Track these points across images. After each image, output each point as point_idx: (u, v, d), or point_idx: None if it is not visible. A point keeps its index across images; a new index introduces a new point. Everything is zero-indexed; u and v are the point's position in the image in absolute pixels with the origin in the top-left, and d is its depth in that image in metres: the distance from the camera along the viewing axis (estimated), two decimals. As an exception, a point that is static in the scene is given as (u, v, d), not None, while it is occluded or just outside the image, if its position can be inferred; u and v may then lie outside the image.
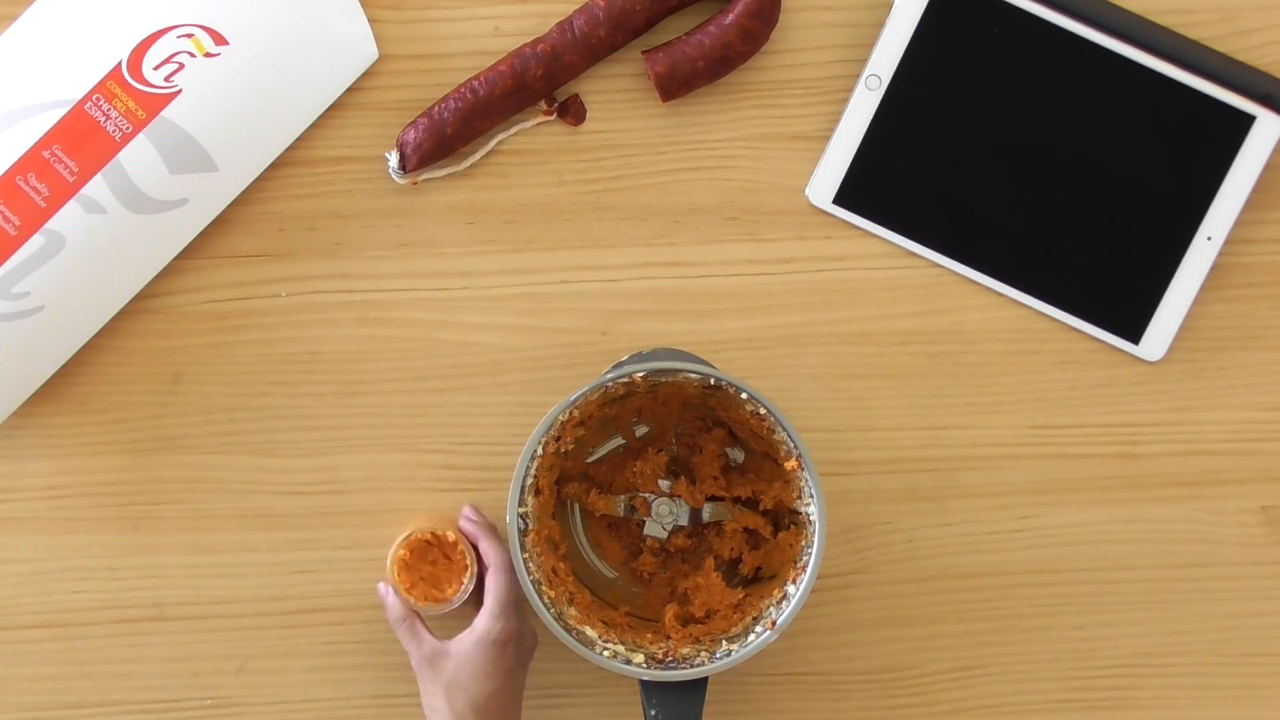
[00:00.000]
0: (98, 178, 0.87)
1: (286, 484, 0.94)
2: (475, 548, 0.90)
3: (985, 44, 0.91)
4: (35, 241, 0.87)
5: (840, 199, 0.93)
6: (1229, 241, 0.92)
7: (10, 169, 0.87)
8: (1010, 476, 0.94)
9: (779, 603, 0.82)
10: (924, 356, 0.94)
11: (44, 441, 0.94)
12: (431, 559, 0.90)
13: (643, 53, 0.91)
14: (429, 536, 0.90)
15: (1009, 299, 0.93)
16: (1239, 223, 0.92)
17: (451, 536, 0.90)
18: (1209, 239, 0.92)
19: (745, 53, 0.91)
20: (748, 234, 0.93)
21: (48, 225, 0.87)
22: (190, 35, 0.88)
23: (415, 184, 0.93)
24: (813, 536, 0.82)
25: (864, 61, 0.92)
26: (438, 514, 0.93)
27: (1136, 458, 0.94)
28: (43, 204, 0.87)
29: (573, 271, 0.93)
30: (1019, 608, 0.94)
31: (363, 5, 0.91)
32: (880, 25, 0.92)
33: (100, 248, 0.88)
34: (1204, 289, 0.92)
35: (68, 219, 0.87)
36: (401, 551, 0.90)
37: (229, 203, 0.91)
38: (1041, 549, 0.94)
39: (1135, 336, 0.93)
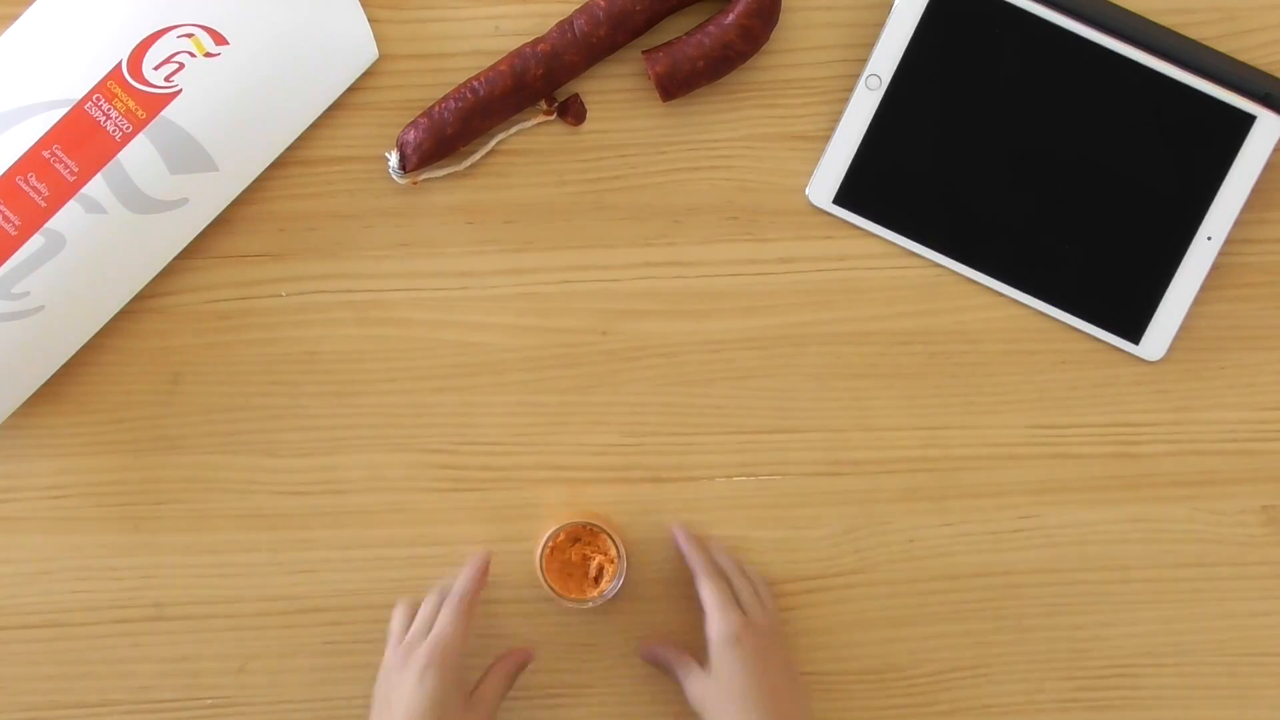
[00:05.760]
0: (98, 178, 0.87)
1: (286, 484, 0.94)
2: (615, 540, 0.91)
3: (985, 44, 0.91)
4: (35, 241, 0.87)
5: (840, 199, 0.93)
6: (1229, 241, 0.92)
7: (10, 169, 0.87)
8: (1010, 476, 0.94)
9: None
10: (924, 356, 0.94)
11: (44, 441, 0.94)
12: (578, 552, 0.92)
13: (643, 53, 0.91)
14: (580, 529, 0.91)
15: (1009, 299, 0.93)
16: (1239, 223, 0.92)
17: (596, 529, 0.91)
18: (1209, 239, 0.92)
19: (745, 53, 0.91)
20: (748, 234, 0.93)
21: (48, 225, 0.87)
22: (190, 35, 0.88)
23: (415, 184, 0.93)
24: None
25: (864, 61, 0.92)
26: (578, 506, 0.95)
27: (1136, 458, 0.94)
28: (43, 204, 0.87)
29: (573, 271, 0.93)
30: (1019, 608, 0.94)
31: (363, 5, 0.91)
32: (880, 25, 0.92)
33: (100, 248, 0.88)
34: (1204, 289, 0.92)
35: (68, 219, 0.87)
36: (559, 538, 0.91)
37: (229, 203, 0.91)
38: (1041, 549, 0.94)
39: (1135, 336, 0.93)
